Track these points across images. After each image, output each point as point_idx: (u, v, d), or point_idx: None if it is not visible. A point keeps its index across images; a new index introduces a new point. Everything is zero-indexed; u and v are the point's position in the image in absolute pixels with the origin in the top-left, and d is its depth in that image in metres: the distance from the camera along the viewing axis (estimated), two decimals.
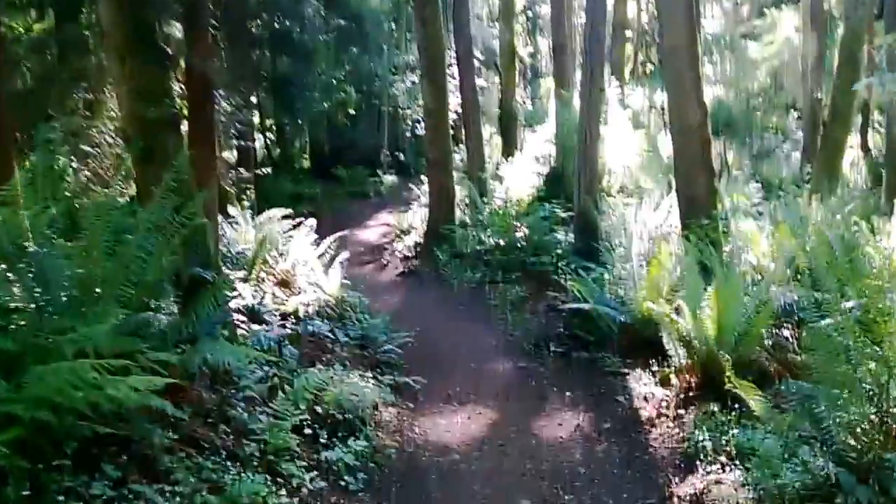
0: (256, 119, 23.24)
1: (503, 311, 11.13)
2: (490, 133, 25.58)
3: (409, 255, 14.61)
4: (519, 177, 17.10)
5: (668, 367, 7.82)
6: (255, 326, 7.67)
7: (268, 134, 25.37)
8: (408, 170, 25.57)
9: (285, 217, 11.32)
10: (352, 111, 23.08)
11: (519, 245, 12.89)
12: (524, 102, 29.44)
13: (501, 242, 13.19)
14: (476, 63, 20.12)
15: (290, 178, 22.92)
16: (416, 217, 17.22)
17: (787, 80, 25.40)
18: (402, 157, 26.97)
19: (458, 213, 15.15)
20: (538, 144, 20.50)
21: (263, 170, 14.09)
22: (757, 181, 18.33)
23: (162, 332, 4.75)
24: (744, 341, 6.98)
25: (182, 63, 7.39)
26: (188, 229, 5.25)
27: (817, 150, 18.38)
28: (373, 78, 23.96)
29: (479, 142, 17.55)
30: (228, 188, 10.87)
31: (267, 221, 10.82)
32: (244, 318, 7.81)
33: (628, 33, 33.82)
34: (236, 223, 10.79)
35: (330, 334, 6.46)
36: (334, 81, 20.48)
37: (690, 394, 7.24)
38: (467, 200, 15.93)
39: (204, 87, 7.11)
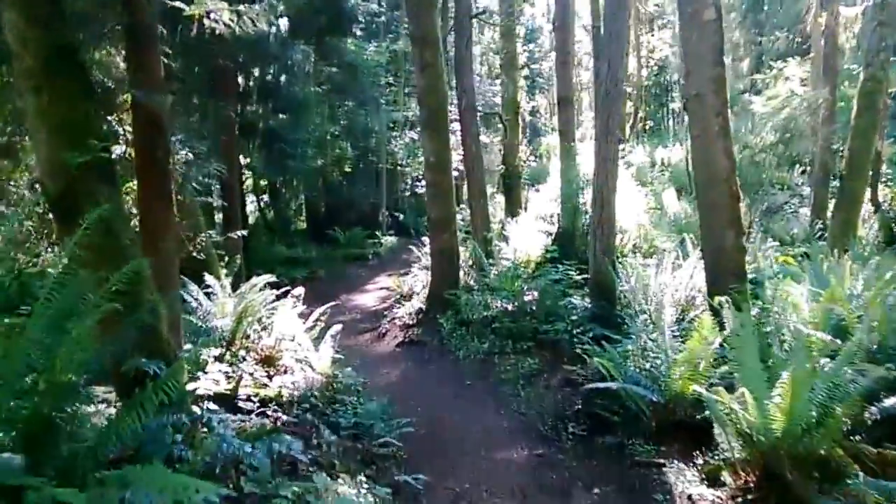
0: (250, 180, 22.21)
1: (515, 386, 9.84)
2: (492, 192, 24.49)
3: (410, 322, 13.27)
4: (526, 237, 15.90)
5: (716, 459, 6.53)
6: (227, 415, 6.37)
7: (262, 196, 24.25)
8: (408, 230, 24.49)
9: (271, 285, 9.99)
10: (348, 169, 21.92)
11: (529, 311, 11.60)
12: (526, 160, 28.36)
13: (510, 308, 11.90)
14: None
15: (284, 241, 21.71)
16: (417, 281, 15.99)
17: (794, 133, 24.40)
18: (401, 217, 25.90)
19: (462, 276, 13.89)
20: (543, 203, 19.38)
21: (241, 233, 12.69)
22: (772, 238, 17.14)
23: (73, 454, 3.44)
24: (819, 433, 5.67)
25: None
26: (126, 308, 3.99)
27: (828, 205, 17.30)
28: (370, 133, 22.87)
29: (483, 200, 16.34)
30: (197, 254, 9.57)
31: (249, 290, 9.49)
32: (215, 407, 6.50)
33: (628, 89, 33.10)
34: (213, 293, 9.46)
35: (302, 456, 5.10)
36: (328, 136, 19.33)
37: (749, 496, 5.92)
38: (471, 262, 14.69)
39: (152, 127, 5.80)
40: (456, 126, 17.63)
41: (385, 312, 15.11)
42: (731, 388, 6.62)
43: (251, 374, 8.24)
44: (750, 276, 9.65)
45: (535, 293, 11.92)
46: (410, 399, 9.49)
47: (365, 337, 13.64)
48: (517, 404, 9.24)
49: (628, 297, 10.70)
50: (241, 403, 7.03)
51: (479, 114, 17.48)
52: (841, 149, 17.41)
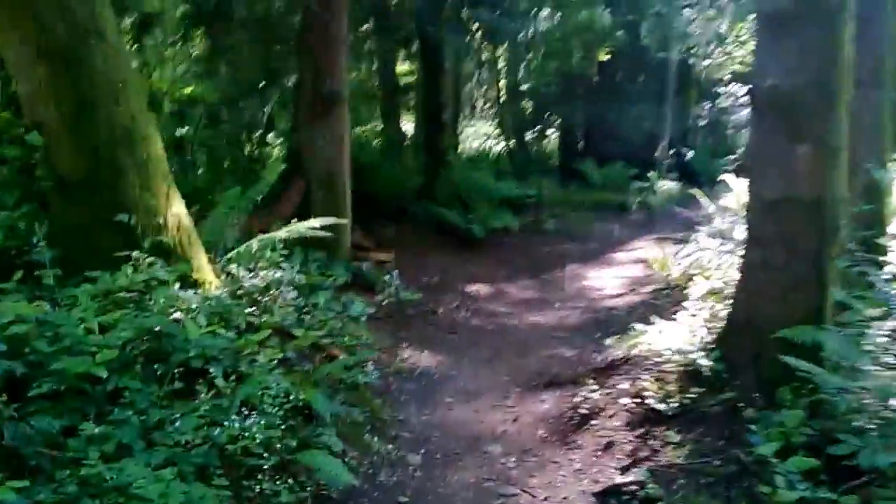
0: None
1: None
2: None
3: (659, 404, 4.26)
4: None
5: None
6: None
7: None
8: (695, 174, 14.90)
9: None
10: (606, 56, 12.68)
11: None
12: None
13: None
14: None
15: (518, 175, 14.27)
16: (704, 261, 6.93)
17: None
18: (688, 154, 16.29)
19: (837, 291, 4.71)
20: None
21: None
22: None
23: None
24: None
25: None
26: None
27: None
28: (648, 6, 12.77)
29: None
30: None
31: None
32: None
33: None
34: None
35: None
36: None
37: None
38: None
39: None
40: None
41: (615, 326, 6.42)
42: None
43: None
44: None
45: None
46: None
47: (519, 422, 4.99)
48: None
49: None
50: None
51: None
52: None
